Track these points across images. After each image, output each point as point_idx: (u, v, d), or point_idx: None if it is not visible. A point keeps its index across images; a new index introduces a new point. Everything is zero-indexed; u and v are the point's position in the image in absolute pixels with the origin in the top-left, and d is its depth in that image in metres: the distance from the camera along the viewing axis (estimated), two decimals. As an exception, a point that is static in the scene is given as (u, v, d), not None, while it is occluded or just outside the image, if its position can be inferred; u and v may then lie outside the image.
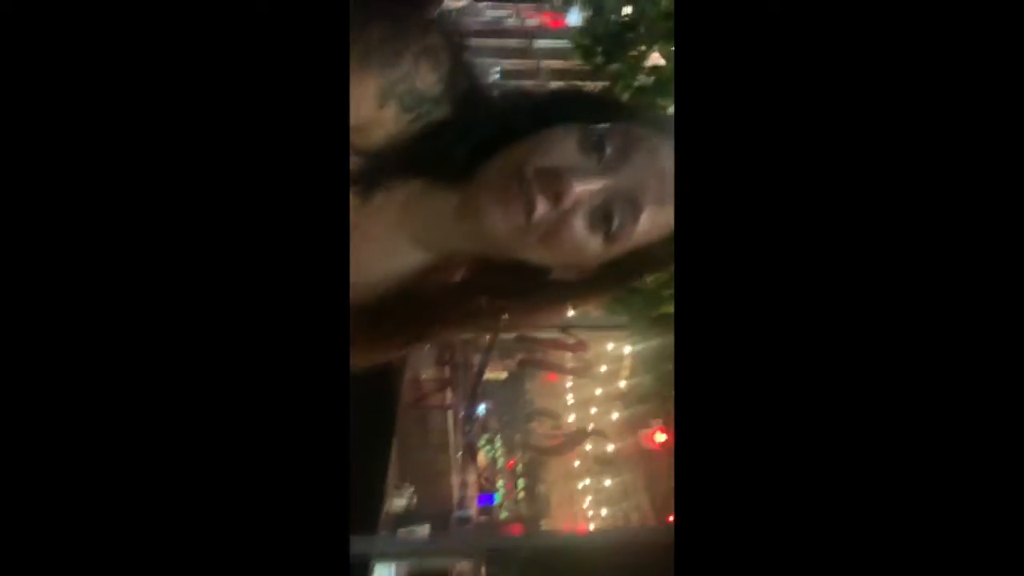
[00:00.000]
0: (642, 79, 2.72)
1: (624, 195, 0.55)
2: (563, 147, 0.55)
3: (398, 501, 2.77)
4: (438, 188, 0.60)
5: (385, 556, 1.56)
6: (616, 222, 0.55)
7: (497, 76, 6.06)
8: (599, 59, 2.80)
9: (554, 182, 0.53)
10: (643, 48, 2.76)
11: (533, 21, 6.75)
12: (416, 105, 0.59)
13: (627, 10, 2.75)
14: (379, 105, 0.58)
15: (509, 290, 0.62)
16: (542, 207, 0.53)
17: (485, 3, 7.34)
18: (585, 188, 0.54)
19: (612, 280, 0.63)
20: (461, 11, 6.74)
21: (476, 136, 0.59)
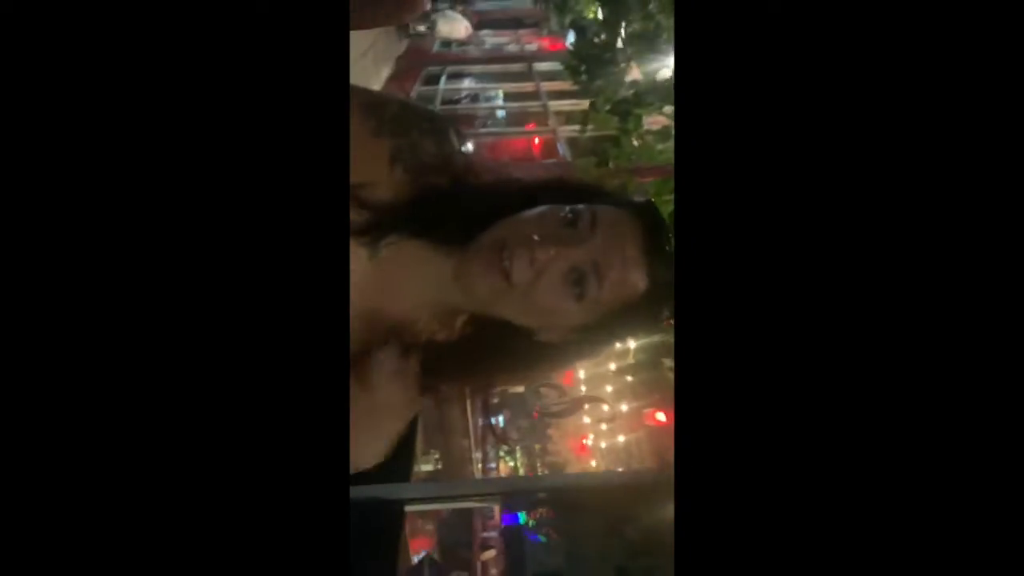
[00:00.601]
0: (623, 92, 3.06)
1: (592, 263, 0.62)
2: (542, 221, 0.63)
3: (425, 466, 3.13)
4: (439, 251, 0.67)
5: (413, 501, 1.84)
6: (586, 287, 0.62)
7: (500, 100, 6.41)
8: (583, 76, 3.16)
9: (530, 249, 0.61)
10: (623, 65, 3.11)
11: (532, 46, 7.14)
12: (419, 172, 0.66)
13: (603, 36, 3.10)
14: (388, 166, 0.66)
15: (499, 348, 0.67)
16: (519, 270, 0.61)
17: (487, 32, 7.76)
18: (557, 255, 0.61)
19: (590, 343, 0.69)
20: (466, 42, 7.15)
21: (470, 208, 0.66)
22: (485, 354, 0.68)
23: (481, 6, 7.98)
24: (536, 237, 0.61)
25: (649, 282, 0.63)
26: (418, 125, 0.67)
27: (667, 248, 0.65)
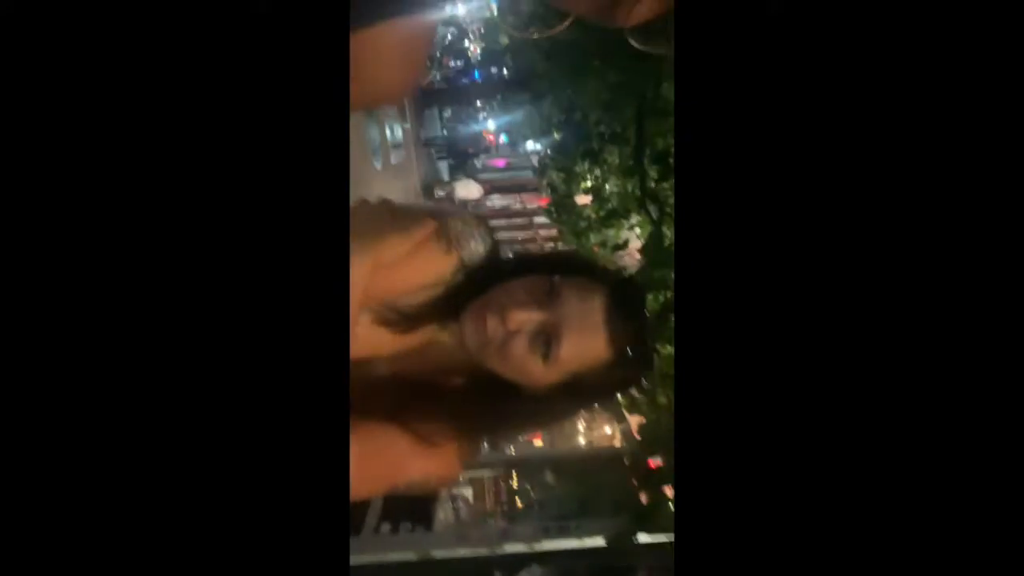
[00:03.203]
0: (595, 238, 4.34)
1: (556, 327, 0.69)
2: (521, 289, 0.72)
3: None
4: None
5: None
6: (550, 348, 0.69)
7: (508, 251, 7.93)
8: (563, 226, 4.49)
9: (504, 309, 0.69)
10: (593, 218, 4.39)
11: (533, 204, 8.82)
12: (472, 274, 0.76)
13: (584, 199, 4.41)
14: (452, 274, 0.76)
15: (488, 399, 0.76)
16: (492, 326, 0.70)
17: (496, 195, 9.50)
18: (527, 317, 0.69)
19: (564, 404, 0.77)
20: (477, 202, 8.75)
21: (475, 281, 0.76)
22: (475, 403, 0.76)
23: (491, 176, 9.78)
24: (515, 300, 0.70)
25: (615, 348, 0.70)
26: (473, 235, 0.77)
27: (640, 316, 0.73)
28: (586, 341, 0.70)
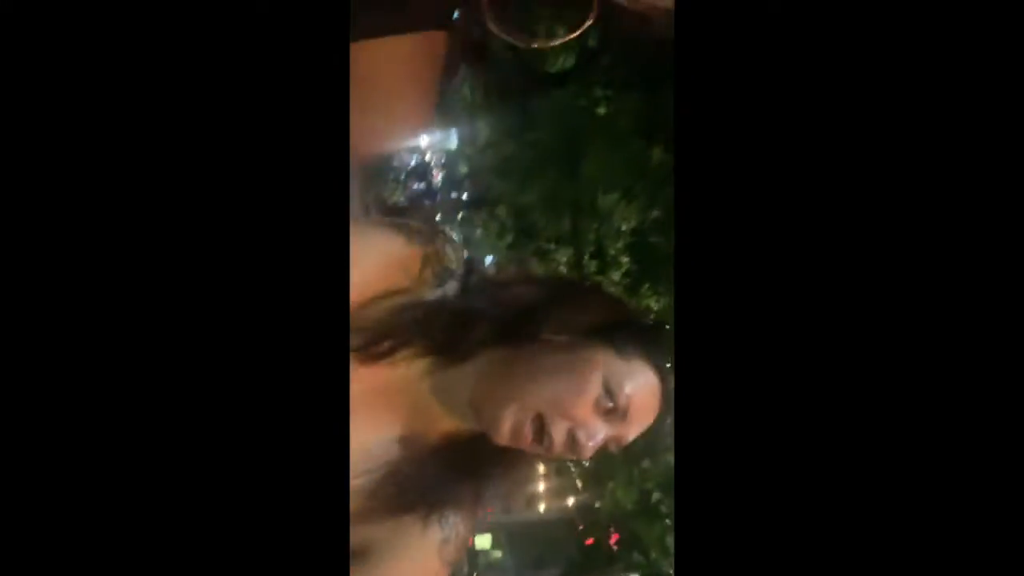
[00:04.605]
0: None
1: (625, 437, 0.72)
2: (582, 401, 0.69)
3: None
4: (453, 363, 0.75)
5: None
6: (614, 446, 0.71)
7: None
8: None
9: (564, 427, 0.69)
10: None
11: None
12: (443, 277, 0.76)
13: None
14: (419, 271, 0.76)
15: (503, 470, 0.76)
16: (556, 443, 0.69)
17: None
18: (596, 443, 0.69)
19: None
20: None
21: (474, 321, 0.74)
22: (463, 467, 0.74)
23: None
24: (579, 419, 0.67)
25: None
26: (439, 237, 0.77)
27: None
28: (644, 421, 0.71)
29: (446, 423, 0.76)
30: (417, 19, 0.88)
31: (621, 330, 0.74)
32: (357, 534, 0.68)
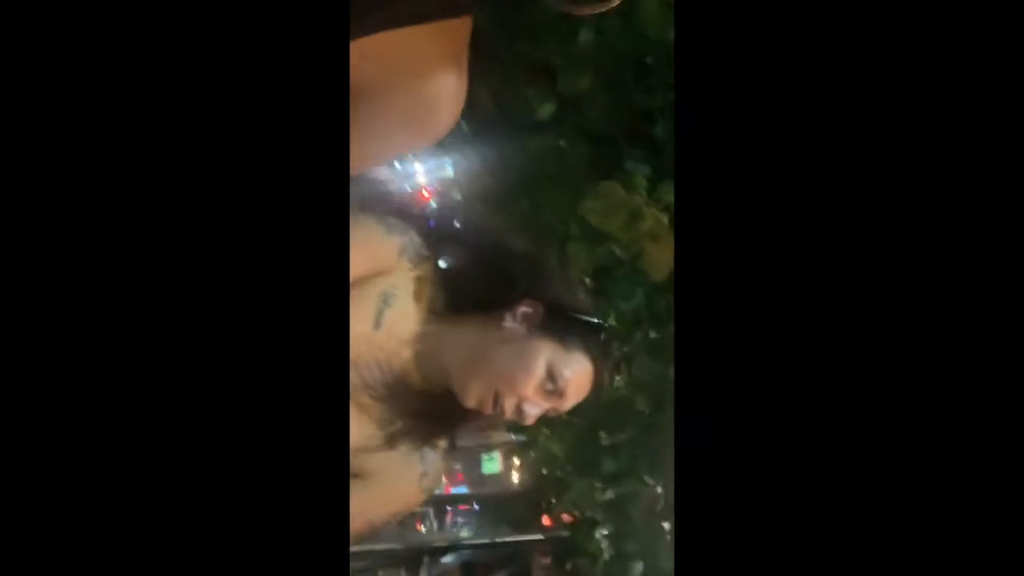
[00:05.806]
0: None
1: (563, 405, 0.93)
2: (533, 382, 0.90)
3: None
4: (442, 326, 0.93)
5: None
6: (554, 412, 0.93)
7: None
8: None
9: (519, 399, 0.90)
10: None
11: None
12: (419, 262, 0.92)
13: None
14: (397, 256, 0.92)
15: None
16: (507, 408, 0.89)
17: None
18: (539, 411, 0.92)
19: None
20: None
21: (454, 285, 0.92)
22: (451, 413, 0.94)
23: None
24: (528, 394, 0.88)
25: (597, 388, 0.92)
26: (414, 226, 0.93)
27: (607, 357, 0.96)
28: (578, 397, 0.91)
29: (425, 384, 0.94)
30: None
31: (567, 327, 0.93)
32: (355, 459, 0.89)
